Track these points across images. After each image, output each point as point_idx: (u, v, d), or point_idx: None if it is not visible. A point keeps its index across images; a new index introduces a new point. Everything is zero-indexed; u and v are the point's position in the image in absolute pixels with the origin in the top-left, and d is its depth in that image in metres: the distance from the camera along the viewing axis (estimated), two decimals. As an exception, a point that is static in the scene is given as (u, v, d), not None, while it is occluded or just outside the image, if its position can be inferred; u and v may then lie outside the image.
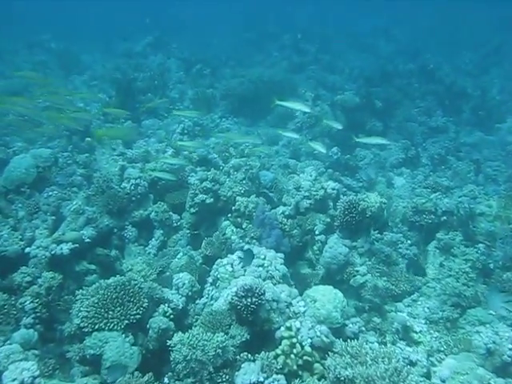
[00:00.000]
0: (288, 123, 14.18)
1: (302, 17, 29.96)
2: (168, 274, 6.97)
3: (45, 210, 7.30)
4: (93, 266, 6.90)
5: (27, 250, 6.41)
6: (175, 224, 7.67)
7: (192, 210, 7.71)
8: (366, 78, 16.19)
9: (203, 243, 6.92)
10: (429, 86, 15.83)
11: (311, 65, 18.93)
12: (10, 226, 7.26)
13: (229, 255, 6.04)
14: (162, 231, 7.61)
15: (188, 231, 7.66)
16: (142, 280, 5.74)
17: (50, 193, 7.52)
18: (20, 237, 7.04)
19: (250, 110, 14.66)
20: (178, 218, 7.74)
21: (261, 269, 5.63)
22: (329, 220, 7.51)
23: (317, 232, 7.35)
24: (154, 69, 17.19)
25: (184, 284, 6.18)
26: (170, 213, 7.69)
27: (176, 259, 7.13)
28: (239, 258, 5.85)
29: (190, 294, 6.15)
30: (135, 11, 35.71)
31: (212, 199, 7.64)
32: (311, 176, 8.71)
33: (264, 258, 5.75)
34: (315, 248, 7.28)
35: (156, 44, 20.42)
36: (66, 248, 6.45)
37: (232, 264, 5.79)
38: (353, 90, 15.27)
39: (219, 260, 6.02)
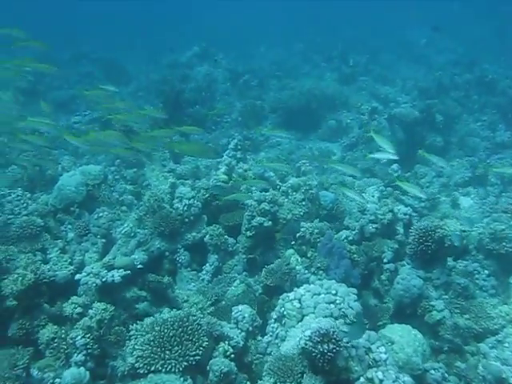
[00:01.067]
0: (341, 137, 13.61)
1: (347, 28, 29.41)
2: (224, 303, 6.48)
3: (95, 233, 6.91)
4: (144, 293, 6.44)
5: (77, 276, 5.97)
6: (231, 249, 7.16)
7: (248, 234, 7.18)
8: (421, 89, 15.49)
9: (263, 272, 6.37)
10: (488, 98, 14.99)
11: (362, 76, 18.28)
12: (59, 248, 6.91)
13: (295, 289, 5.47)
14: (216, 256, 7.11)
15: (244, 256, 7.13)
16: (201, 315, 5.22)
17: (101, 214, 7.13)
18: (69, 260, 6.67)
19: (301, 123, 14.13)
20: (234, 241, 7.22)
21: (332, 306, 5.04)
22: (397, 246, 6.88)
23: (385, 260, 6.73)
24: (200, 80, 16.92)
25: (244, 318, 5.65)
26: (226, 236, 7.18)
27: (232, 287, 6.61)
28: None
29: (250, 328, 5.62)
30: (181, 22, 35.85)
31: (270, 222, 7.10)
32: (373, 197, 8.09)
33: (335, 294, 5.16)
34: (383, 278, 6.65)
35: (202, 54, 20.12)
36: (117, 275, 6.00)
37: (300, 300, 5.22)
38: (407, 102, 14.60)
39: (285, 294, 5.45)
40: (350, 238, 7.12)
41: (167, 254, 7.17)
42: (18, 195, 7.48)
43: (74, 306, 5.56)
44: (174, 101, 13.44)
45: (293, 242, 6.74)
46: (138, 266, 6.40)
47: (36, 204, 7.41)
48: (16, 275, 5.68)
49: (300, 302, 5.19)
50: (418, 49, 23.91)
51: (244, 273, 7.03)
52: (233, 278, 6.78)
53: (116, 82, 19.25)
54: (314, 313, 5.03)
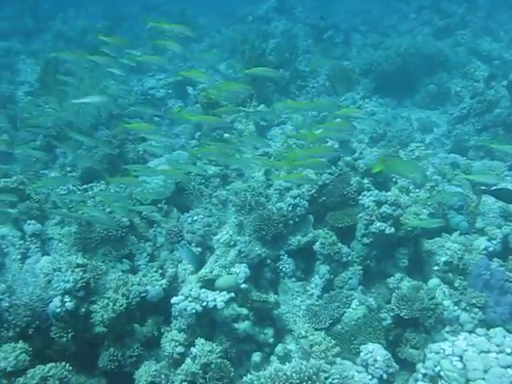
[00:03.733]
0: (442, 104, 12.01)
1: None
2: (340, 327, 5.47)
3: (189, 240, 5.97)
4: (245, 311, 5.50)
5: (174, 300, 5.06)
6: (345, 259, 6.06)
7: (365, 241, 6.06)
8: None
9: (394, 297, 5.27)
10: None
11: (459, 29, 16.29)
12: (148, 254, 6.03)
13: (450, 337, 4.34)
14: (328, 267, 6.03)
15: (360, 268, 6.03)
16: (332, 368, 4.19)
17: (195, 217, 6.16)
18: (160, 271, 5.78)
19: (395, 88, 12.61)
20: (349, 251, 6.11)
21: (510, 371, 3.88)
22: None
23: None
24: (279, 37, 15.51)
25: (376, 361, 4.61)
26: (340, 244, 6.07)
27: (350, 309, 5.55)
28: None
29: (384, 376, 4.57)
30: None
31: (393, 229, 5.93)
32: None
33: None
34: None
35: (279, 8, 18.54)
36: (220, 300, 5.06)
37: (462, 357, 4.08)
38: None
39: (438, 346, 4.31)
40: (491, 248, 5.86)
41: (269, 261, 6.17)
42: (101, 189, 6.62)
43: (174, 344, 4.67)
44: (257, 64, 12.13)
45: (436, 268, 5.54)
46: (242, 286, 5.42)
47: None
48: (106, 300, 4.83)
49: (462, 361, 4.05)
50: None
51: (360, 287, 5.95)
52: (349, 297, 5.70)
53: (187, 38, 18.15)
54: (484, 379, 3.89)
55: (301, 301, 5.96)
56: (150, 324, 5.43)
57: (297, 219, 6.32)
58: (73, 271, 4.90)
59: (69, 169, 8.57)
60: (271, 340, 5.53)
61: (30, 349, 4.35)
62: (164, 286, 5.58)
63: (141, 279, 5.62)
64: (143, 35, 18.72)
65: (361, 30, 17.69)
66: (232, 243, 5.86)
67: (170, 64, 14.41)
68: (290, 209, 6.29)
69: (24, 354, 4.26)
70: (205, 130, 9.06)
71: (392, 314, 5.24)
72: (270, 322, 5.65)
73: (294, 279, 6.17)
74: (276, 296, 5.70)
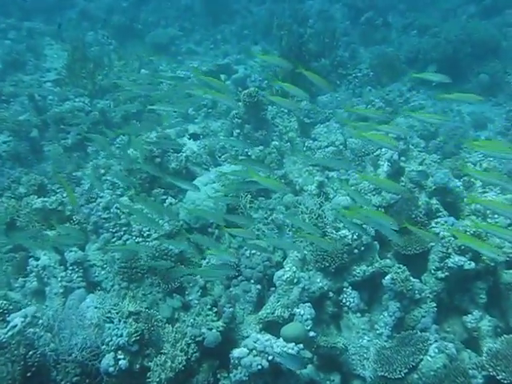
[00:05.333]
0: (495, 95, 11.17)
1: None
2: (416, 377, 4.92)
3: (248, 276, 5.41)
4: (308, 354, 4.97)
5: (236, 353, 4.53)
6: (418, 296, 5.47)
7: (440, 275, 5.48)
8: None
9: (486, 354, 4.68)
10: None
11: (508, 7, 15.20)
12: (200, 287, 5.49)
13: None
14: (398, 304, 5.44)
15: (434, 305, 5.45)
16: None
17: (254, 251, 5.58)
18: (214, 310, 5.25)
19: (443, 78, 11.71)
20: (422, 287, 5.52)
21: None
22: None
23: None
24: (315, 18, 14.64)
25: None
26: (412, 280, 5.47)
27: (428, 357, 4.98)
28: None
29: None
30: None
31: (473, 264, 5.32)
32: None
33: None
34: None
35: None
36: (276, 348, 4.52)
37: None
38: None
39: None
40: None
41: (331, 294, 5.61)
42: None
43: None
44: (297, 52, 11.35)
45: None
46: (311, 335, 4.87)
47: (168, 224, 5.97)
48: (164, 357, 4.32)
49: None
50: None
51: (434, 326, 5.38)
52: (426, 342, 5.12)
53: (217, 18, 17.31)
54: None
55: (368, 340, 5.41)
56: (204, 370, 4.91)
57: (362, 248, 5.73)
58: (125, 322, 4.40)
59: (103, 171, 8.06)
60: (338, 388, 5.03)
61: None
62: (221, 328, 5.03)
63: (195, 319, 5.10)
64: (171, 14, 18.03)
65: (400, 9, 16.67)
66: (295, 281, 5.29)
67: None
68: (355, 237, 5.69)
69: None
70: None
71: (484, 373, 4.64)
72: (336, 370, 5.13)
73: (358, 314, 5.61)
74: (345, 341, 5.16)
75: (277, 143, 7.76)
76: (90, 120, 9.07)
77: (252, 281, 5.39)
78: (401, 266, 5.51)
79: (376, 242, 5.86)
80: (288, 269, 5.36)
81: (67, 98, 9.92)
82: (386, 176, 6.71)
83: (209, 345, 4.89)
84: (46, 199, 6.20)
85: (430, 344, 5.06)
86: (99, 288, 5.65)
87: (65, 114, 9.21)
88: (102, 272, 5.82)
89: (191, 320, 5.07)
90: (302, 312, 5.10)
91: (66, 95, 9.80)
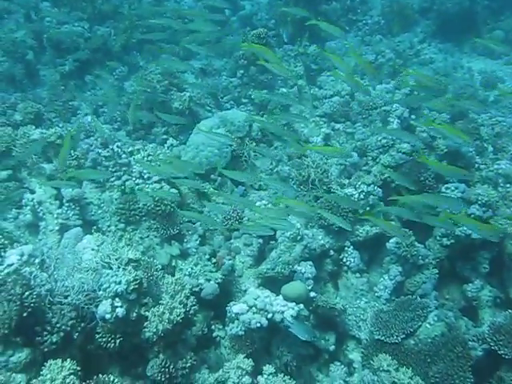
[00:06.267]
0: (510, 54, 10.83)
1: None
2: (413, 342, 4.90)
3: (250, 229, 5.25)
4: (305, 311, 4.91)
5: (235, 309, 4.44)
6: (421, 261, 5.39)
7: (445, 242, 5.40)
8: None
9: (489, 328, 4.64)
10: None
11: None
12: (199, 235, 5.37)
13: None
14: (400, 269, 5.37)
15: (436, 271, 5.39)
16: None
17: (258, 202, 5.41)
18: (213, 261, 5.13)
19: (457, 32, 11.34)
20: (426, 253, 5.43)
21: None
22: None
23: None
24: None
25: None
26: (418, 245, 5.38)
27: (427, 324, 4.95)
28: None
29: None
30: None
31: (479, 233, 5.22)
32: None
33: None
34: None
35: None
36: (289, 314, 4.44)
37: None
38: None
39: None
40: None
41: (332, 252, 5.52)
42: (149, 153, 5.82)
43: (239, 372, 4.09)
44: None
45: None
46: (312, 295, 4.78)
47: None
48: (162, 308, 4.21)
49: None
50: None
51: (434, 293, 5.35)
52: (425, 308, 5.07)
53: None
54: None
55: (366, 302, 5.37)
56: (199, 320, 4.84)
57: (367, 208, 5.59)
58: (124, 269, 4.25)
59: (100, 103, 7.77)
60: (332, 348, 5.01)
61: (79, 369, 3.76)
62: (219, 280, 4.93)
63: (192, 269, 4.99)
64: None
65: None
66: (299, 238, 5.16)
67: None
68: (361, 196, 5.55)
69: (72, 377, 3.69)
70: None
71: (484, 346, 4.62)
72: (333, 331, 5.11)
73: (358, 275, 5.54)
74: (344, 302, 5.10)
75: (284, 90, 7.45)
76: (90, 47, 8.62)
77: (254, 234, 5.25)
78: (406, 230, 5.38)
79: (382, 203, 5.71)
80: (294, 224, 5.22)
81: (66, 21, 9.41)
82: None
83: (206, 296, 4.80)
84: (44, 131, 5.90)
85: (430, 311, 5.02)
86: (95, 228, 5.46)
87: (63, 37, 8.72)
88: (99, 211, 5.62)
89: (188, 269, 4.97)
90: (303, 270, 5.00)
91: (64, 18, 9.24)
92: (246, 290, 4.97)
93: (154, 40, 9.66)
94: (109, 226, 5.51)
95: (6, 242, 4.59)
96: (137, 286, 4.21)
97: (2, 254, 4.41)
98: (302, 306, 4.54)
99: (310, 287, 4.84)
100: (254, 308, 4.43)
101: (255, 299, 4.46)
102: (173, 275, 4.88)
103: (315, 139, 6.70)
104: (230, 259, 5.07)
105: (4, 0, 9.94)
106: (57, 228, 5.34)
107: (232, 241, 5.30)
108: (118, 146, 5.68)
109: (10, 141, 5.83)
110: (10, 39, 8.48)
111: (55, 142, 5.75)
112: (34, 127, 6.07)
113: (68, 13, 9.75)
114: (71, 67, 8.53)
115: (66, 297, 4.19)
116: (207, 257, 5.15)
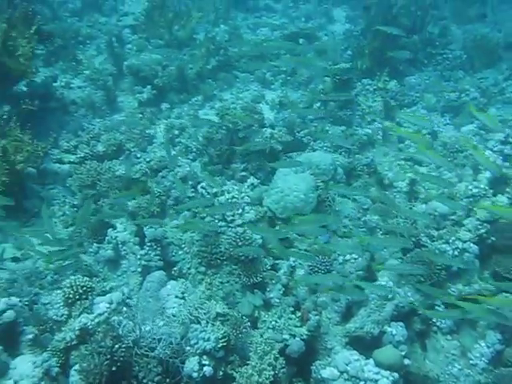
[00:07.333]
0: None
1: None
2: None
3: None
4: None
5: (325, 374, 4.18)
6: (523, 328, 5.00)
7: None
8: None
9: None
10: None
11: None
12: (283, 285, 5.15)
13: None
14: (499, 336, 4.98)
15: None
16: None
17: (348, 256, 5.16)
18: (297, 314, 4.90)
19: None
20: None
21: None
22: None
23: None
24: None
25: None
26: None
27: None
28: None
29: None
30: None
31: None
32: None
33: None
34: None
35: None
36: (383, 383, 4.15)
37: None
38: None
39: None
40: None
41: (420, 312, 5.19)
42: (233, 196, 5.68)
43: None
44: (383, 24, 10.41)
45: None
46: (406, 363, 4.47)
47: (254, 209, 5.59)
48: (250, 370, 4.01)
49: None
50: None
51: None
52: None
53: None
54: None
55: (459, 369, 4.99)
56: (283, 378, 4.60)
57: (461, 265, 5.25)
58: (213, 325, 4.08)
59: (176, 132, 7.69)
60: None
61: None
62: (305, 336, 4.69)
63: (276, 322, 4.77)
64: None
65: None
66: (390, 296, 4.87)
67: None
68: (456, 253, 5.21)
69: None
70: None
71: None
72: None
73: (449, 337, 5.19)
74: (435, 368, 4.77)
75: (369, 131, 7.20)
76: (167, 75, 8.64)
77: (349, 297, 4.98)
78: (506, 295, 5.00)
79: (477, 261, 5.35)
80: (385, 283, 4.94)
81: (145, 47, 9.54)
82: (487, 184, 6.11)
83: (291, 354, 4.57)
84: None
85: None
86: (176, 270, 5.35)
87: (142, 66, 8.78)
88: (180, 252, 5.50)
89: (272, 322, 4.76)
90: (394, 332, 4.69)
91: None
92: (331, 349, 4.71)
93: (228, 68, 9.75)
94: (189, 269, 5.38)
95: (93, 285, 4.49)
96: (225, 344, 4.03)
97: (90, 298, 4.33)
98: (396, 375, 4.23)
99: (403, 353, 4.51)
100: (345, 374, 4.15)
101: (346, 364, 4.18)
102: (255, 327, 4.71)
103: (400, 184, 6.40)
104: (316, 314, 4.81)
105: (88, 26, 10.17)
106: (139, 270, 5.23)
107: (318, 294, 5.05)
108: (202, 187, 5.56)
109: (96, 175, 5.82)
110: (93, 66, 8.61)
111: (139, 179, 5.70)
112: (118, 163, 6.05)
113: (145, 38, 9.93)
114: (149, 95, 8.55)
115: (152, 349, 4.05)
116: (291, 309, 4.92)
